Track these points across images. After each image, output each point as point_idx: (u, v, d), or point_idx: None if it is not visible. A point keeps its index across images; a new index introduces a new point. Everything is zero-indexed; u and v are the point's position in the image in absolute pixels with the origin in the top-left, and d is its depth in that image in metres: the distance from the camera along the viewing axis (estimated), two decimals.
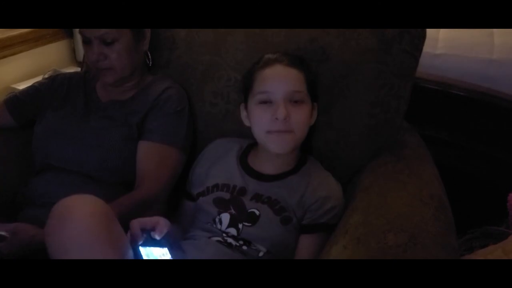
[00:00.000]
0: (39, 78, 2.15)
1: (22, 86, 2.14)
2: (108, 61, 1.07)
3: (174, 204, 1.13)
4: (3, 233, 0.91)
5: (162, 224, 0.85)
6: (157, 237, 0.84)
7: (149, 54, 1.17)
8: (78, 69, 2.31)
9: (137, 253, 0.83)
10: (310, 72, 1.01)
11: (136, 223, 0.85)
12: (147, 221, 0.86)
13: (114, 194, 1.04)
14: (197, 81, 1.20)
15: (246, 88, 1.01)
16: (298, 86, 0.96)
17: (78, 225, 0.76)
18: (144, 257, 0.83)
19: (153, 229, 0.85)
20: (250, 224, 0.96)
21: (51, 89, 1.19)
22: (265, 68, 0.98)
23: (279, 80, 0.96)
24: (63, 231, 0.76)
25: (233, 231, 0.96)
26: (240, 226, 0.96)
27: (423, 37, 1.06)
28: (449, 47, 1.68)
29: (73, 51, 2.40)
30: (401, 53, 1.05)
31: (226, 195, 1.01)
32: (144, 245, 0.83)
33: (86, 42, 1.07)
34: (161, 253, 0.84)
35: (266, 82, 0.97)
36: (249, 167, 1.04)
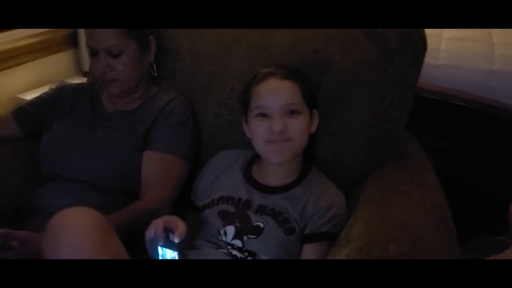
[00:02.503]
0: (44, 88, 2.18)
1: (27, 96, 2.16)
2: (114, 73, 1.09)
3: (177, 214, 1.14)
4: (11, 241, 0.92)
5: (182, 228, 0.86)
6: (176, 241, 0.85)
7: (154, 66, 1.19)
8: (83, 79, 2.34)
9: (154, 252, 0.85)
10: (306, 82, 1.03)
11: (161, 222, 0.86)
12: (170, 222, 0.87)
13: (119, 203, 1.06)
14: (201, 92, 1.22)
15: (244, 102, 1.04)
16: (293, 98, 0.99)
17: (73, 238, 0.77)
18: (159, 258, 0.85)
19: (172, 230, 0.86)
20: (254, 236, 0.97)
21: (58, 100, 1.21)
22: (260, 82, 1.01)
23: (273, 94, 0.99)
24: (58, 245, 0.78)
25: (238, 243, 0.97)
26: (245, 238, 0.97)
27: (424, 49, 1.08)
28: (450, 58, 1.70)
29: (78, 61, 2.42)
30: (403, 65, 1.07)
31: (231, 208, 1.02)
32: (162, 245, 0.85)
33: (93, 54, 1.09)
34: (171, 256, 0.85)
35: (261, 96, 0.99)
36: (253, 179, 1.05)
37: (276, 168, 1.03)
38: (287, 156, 1.00)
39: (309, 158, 1.08)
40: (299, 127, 0.98)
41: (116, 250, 0.82)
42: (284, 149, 0.98)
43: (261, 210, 1.01)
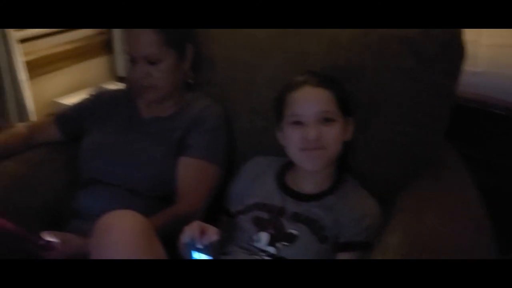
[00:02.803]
0: (80, 93, 2.25)
1: (64, 100, 2.23)
2: (151, 80, 1.11)
3: (209, 219, 1.15)
4: (54, 240, 0.95)
5: (210, 234, 0.87)
6: (200, 245, 0.86)
7: (190, 73, 1.20)
8: (118, 84, 2.39)
9: (188, 256, 0.87)
10: (340, 90, 1.02)
11: (197, 226, 0.88)
12: (204, 226, 0.88)
13: (154, 208, 1.08)
14: (235, 98, 1.23)
15: (279, 109, 1.04)
16: (327, 106, 0.99)
17: (119, 240, 0.80)
18: None
19: (206, 235, 0.87)
20: (288, 244, 0.97)
21: (96, 106, 1.24)
22: (295, 90, 1.01)
23: (307, 102, 0.99)
24: (105, 245, 0.81)
25: (271, 250, 0.97)
26: (279, 245, 0.98)
27: (463, 56, 1.06)
28: (489, 65, 1.65)
29: (113, 67, 2.49)
30: (440, 73, 1.06)
31: (265, 215, 1.02)
32: (196, 249, 0.86)
33: (132, 61, 1.12)
34: None
35: (296, 104, 1.00)
36: (287, 187, 1.06)
37: (310, 175, 1.03)
38: (321, 164, 1.00)
39: (344, 166, 1.07)
40: (333, 135, 0.98)
41: (158, 253, 0.85)
42: (318, 156, 0.98)
43: (295, 217, 1.01)
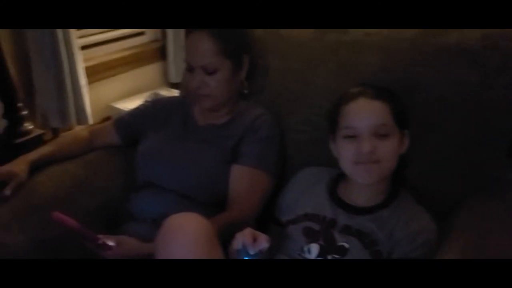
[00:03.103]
0: (135, 98, 2.33)
1: (119, 105, 2.32)
2: (208, 89, 1.14)
3: (259, 227, 1.16)
4: (111, 243, 0.99)
5: (261, 241, 0.88)
6: (251, 252, 0.87)
7: (246, 83, 1.22)
8: (170, 90, 2.47)
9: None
10: (397, 103, 0.99)
11: (250, 233, 0.89)
12: (256, 234, 0.89)
13: (206, 214, 1.08)
14: (288, 108, 1.24)
15: (333, 121, 1.03)
16: (383, 119, 0.96)
17: (187, 241, 0.83)
18: None
19: (258, 242, 0.88)
20: (339, 257, 0.96)
21: (153, 112, 1.28)
22: (350, 102, 0.99)
23: (362, 115, 0.97)
24: (172, 245, 0.83)
25: None
26: (329, 257, 0.97)
27: None
28: None
29: (166, 73, 2.56)
30: (503, 86, 1.01)
31: (316, 226, 1.02)
32: (247, 255, 0.87)
33: (189, 69, 1.15)
34: None
35: (351, 117, 0.98)
36: (339, 198, 1.05)
37: (363, 188, 1.02)
38: (375, 178, 0.98)
39: (398, 180, 1.05)
40: (388, 150, 0.96)
41: (219, 256, 0.87)
42: (372, 170, 0.96)
43: (346, 230, 1.00)
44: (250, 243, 0.87)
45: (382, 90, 1.00)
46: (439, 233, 0.96)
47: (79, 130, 1.90)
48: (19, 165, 1.13)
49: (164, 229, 0.85)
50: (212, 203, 1.14)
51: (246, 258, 0.88)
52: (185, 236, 0.82)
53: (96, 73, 2.24)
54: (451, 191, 1.05)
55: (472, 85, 1.02)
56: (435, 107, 1.05)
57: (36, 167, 1.16)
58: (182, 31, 2.44)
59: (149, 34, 2.52)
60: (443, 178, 1.05)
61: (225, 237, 1.05)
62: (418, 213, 0.99)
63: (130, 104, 2.15)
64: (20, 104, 1.77)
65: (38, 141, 1.80)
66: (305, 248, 1.00)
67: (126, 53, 2.37)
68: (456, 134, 1.03)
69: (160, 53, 2.51)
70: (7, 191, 1.07)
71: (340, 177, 1.08)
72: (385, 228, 0.97)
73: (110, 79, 2.33)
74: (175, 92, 2.15)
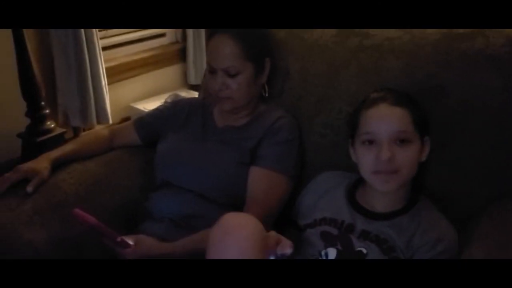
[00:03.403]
0: (154, 99, 2.36)
1: (139, 105, 2.35)
2: (229, 91, 1.14)
3: (277, 230, 1.16)
4: (130, 242, 1.00)
5: (285, 246, 0.87)
6: (273, 257, 0.87)
7: (266, 86, 1.22)
8: (189, 92, 2.49)
9: None
10: (418, 110, 0.98)
11: (274, 237, 0.88)
12: (281, 239, 0.89)
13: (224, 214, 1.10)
14: (308, 111, 1.23)
15: (353, 126, 1.02)
16: (404, 126, 0.95)
17: (239, 244, 0.82)
18: None
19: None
20: None
21: (173, 113, 1.29)
22: (370, 107, 0.98)
23: (382, 120, 0.96)
24: (228, 243, 0.82)
25: None
26: None
27: None
28: None
29: (185, 75, 2.58)
30: None
31: (334, 230, 1.01)
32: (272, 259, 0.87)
33: (211, 71, 1.16)
34: None
35: (370, 122, 0.97)
36: (357, 203, 1.04)
37: (382, 194, 1.00)
38: (394, 186, 0.97)
39: (419, 186, 1.04)
40: (408, 157, 0.95)
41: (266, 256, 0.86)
42: (391, 180, 0.95)
43: (364, 235, 0.99)
44: (273, 248, 0.87)
45: (403, 96, 0.99)
46: (460, 241, 0.95)
47: (99, 129, 1.92)
48: (41, 163, 1.14)
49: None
50: (230, 204, 1.14)
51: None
52: (243, 239, 0.82)
53: (117, 73, 2.27)
54: (473, 199, 1.03)
55: (496, 90, 1.00)
56: (458, 112, 1.04)
57: (57, 165, 1.18)
58: (202, 34, 2.46)
59: (170, 36, 2.55)
60: (466, 186, 1.03)
61: None
62: (438, 220, 0.98)
63: (149, 105, 2.18)
64: (42, 103, 1.81)
65: (60, 140, 1.84)
66: (323, 253, 0.99)
67: (147, 54, 2.41)
68: (480, 140, 1.02)
69: (180, 55, 2.53)
70: (30, 188, 1.09)
71: (359, 182, 1.07)
72: (404, 234, 0.96)
73: (131, 79, 2.37)
74: (194, 94, 2.16)
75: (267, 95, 1.23)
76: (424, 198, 1.03)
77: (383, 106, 0.97)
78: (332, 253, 0.99)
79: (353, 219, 1.02)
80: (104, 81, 2.10)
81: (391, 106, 0.97)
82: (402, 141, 0.94)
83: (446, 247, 0.94)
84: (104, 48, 2.18)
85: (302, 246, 1.04)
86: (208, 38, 1.17)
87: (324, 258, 0.98)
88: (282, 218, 1.15)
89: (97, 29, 2.03)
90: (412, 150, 0.95)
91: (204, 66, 2.06)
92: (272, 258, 0.86)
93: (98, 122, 2.13)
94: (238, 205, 1.13)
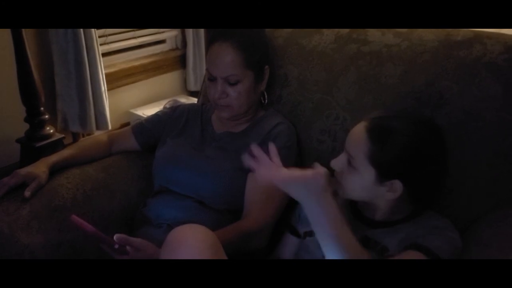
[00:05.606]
0: (154, 105, 2.36)
1: (138, 111, 2.35)
2: (228, 99, 1.14)
3: (275, 237, 1.16)
4: (128, 247, 1.00)
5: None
6: None
7: (265, 94, 1.23)
8: (188, 98, 2.49)
9: None
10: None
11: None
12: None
13: (222, 221, 1.09)
14: (306, 118, 1.23)
15: None
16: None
17: (190, 252, 0.82)
18: None
19: None
20: None
21: (172, 118, 1.29)
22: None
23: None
24: (176, 256, 0.82)
25: None
26: None
27: None
28: None
29: (185, 81, 2.59)
30: None
31: None
32: None
33: (211, 79, 1.16)
34: None
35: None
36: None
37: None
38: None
39: (421, 203, 1.00)
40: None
41: None
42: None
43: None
44: None
45: (383, 129, 0.92)
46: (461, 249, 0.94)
47: (98, 134, 1.92)
48: (40, 168, 1.14)
49: (169, 240, 0.85)
50: (228, 210, 1.14)
51: None
52: (189, 248, 0.82)
53: (116, 79, 2.27)
54: (472, 206, 1.02)
55: (496, 98, 1.01)
56: (458, 120, 1.04)
57: (56, 170, 1.18)
58: (202, 40, 2.47)
59: (170, 42, 2.56)
60: (465, 193, 1.03)
61: (240, 247, 1.05)
62: (442, 226, 0.97)
63: (148, 111, 2.18)
64: (41, 108, 1.81)
65: (59, 145, 1.83)
66: None
67: (147, 60, 2.41)
68: (480, 148, 1.01)
69: (180, 61, 2.54)
70: (28, 193, 1.08)
71: None
72: (405, 242, 0.95)
73: (130, 86, 2.37)
74: (194, 100, 2.17)
75: (266, 102, 1.23)
76: (430, 212, 1.01)
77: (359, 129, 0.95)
78: None
79: (352, 226, 1.01)
80: (103, 87, 2.10)
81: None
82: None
83: (449, 254, 0.92)
84: (104, 54, 2.18)
85: (300, 253, 1.04)
86: (208, 45, 1.18)
87: None
88: (282, 225, 1.15)
89: (97, 36, 2.03)
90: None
91: (204, 72, 2.06)
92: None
93: (97, 128, 2.13)
94: (236, 211, 1.13)
